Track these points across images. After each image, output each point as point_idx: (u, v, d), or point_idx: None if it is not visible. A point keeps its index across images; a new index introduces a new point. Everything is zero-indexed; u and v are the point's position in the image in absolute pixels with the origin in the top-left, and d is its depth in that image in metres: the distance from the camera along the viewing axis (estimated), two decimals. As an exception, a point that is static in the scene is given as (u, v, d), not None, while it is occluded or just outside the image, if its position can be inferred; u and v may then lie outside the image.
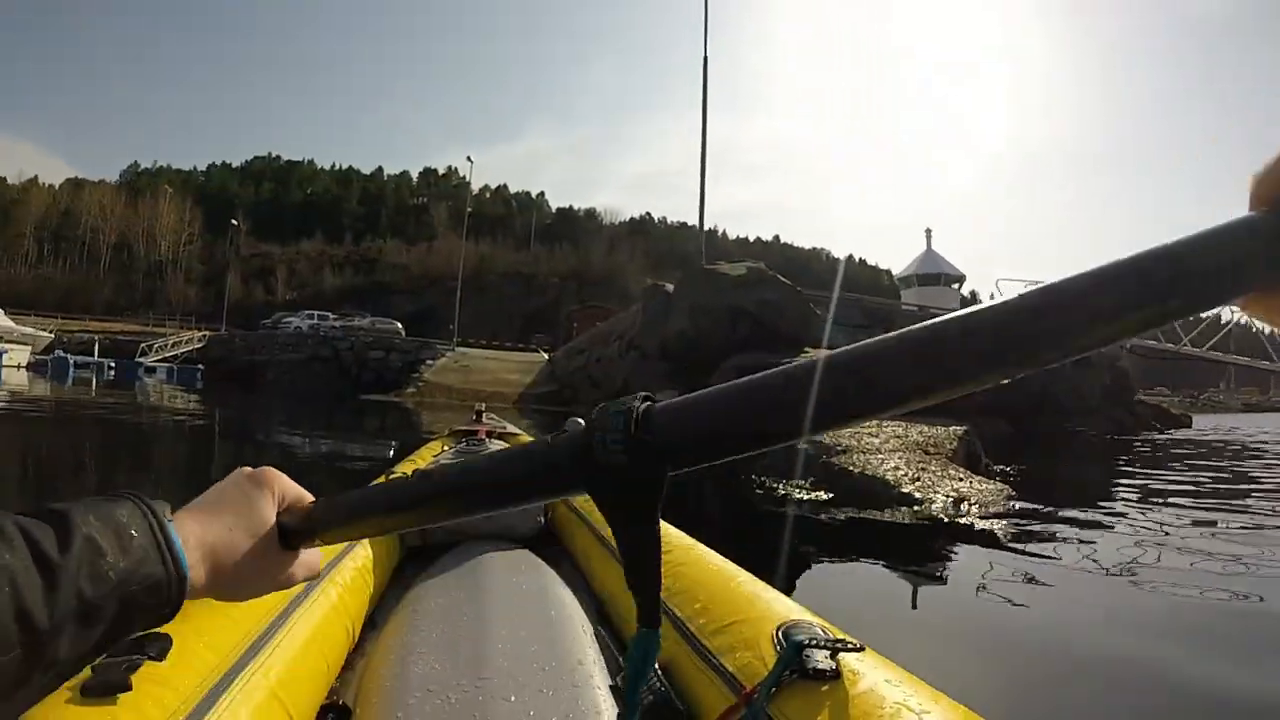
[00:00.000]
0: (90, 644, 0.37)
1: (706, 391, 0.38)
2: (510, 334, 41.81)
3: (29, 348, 26.14)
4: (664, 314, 13.86)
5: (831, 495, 5.13)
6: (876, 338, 0.33)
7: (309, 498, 0.53)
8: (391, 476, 1.46)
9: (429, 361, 25.96)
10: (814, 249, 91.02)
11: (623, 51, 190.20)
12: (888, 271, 73.12)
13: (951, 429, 7.21)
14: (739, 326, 11.99)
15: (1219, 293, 0.28)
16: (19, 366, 24.19)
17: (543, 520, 2.03)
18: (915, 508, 4.75)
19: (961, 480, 5.37)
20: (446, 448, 2.71)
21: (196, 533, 0.44)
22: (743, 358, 11.01)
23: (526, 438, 2.96)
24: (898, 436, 6.50)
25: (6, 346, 24.03)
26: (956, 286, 30.71)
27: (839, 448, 5.78)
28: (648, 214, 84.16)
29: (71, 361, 26.76)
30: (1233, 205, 0.29)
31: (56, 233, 64.45)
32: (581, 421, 0.42)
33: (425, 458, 2.57)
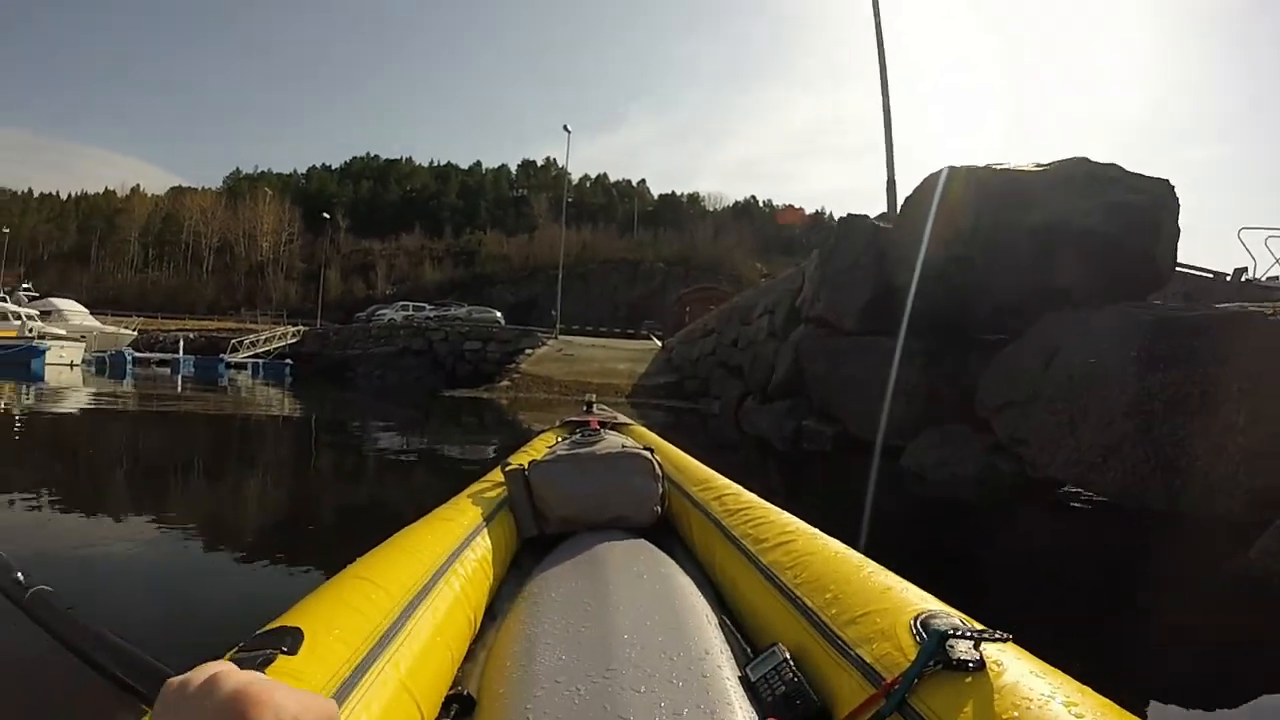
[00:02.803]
0: None
1: None
2: (616, 323, 38.66)
3: (82, 345, 24.06)
4: (874, 260, 8.03)
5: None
6: None
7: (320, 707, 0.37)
8: (508, 469, 1.80)
9: (528, 351, 22.61)
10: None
11: (725, 35, 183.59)
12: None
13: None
14: (1060, 263, 5.87)
15: None
16: (71, 365, 22.53)
17: (659, 509, 1.81)
18: None
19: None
20: (560, 438, 2.51)
21: None
22: (1119, 310, 5.04)
23: (642, 429, 2.84)
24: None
25: (51, 344, 21.98)
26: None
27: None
28: (752, 198, 79.15)
29: (129, 358, 25.15)
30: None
31: (160, 238, 66.10)
32: None
33: (539, 449, 2.31)
